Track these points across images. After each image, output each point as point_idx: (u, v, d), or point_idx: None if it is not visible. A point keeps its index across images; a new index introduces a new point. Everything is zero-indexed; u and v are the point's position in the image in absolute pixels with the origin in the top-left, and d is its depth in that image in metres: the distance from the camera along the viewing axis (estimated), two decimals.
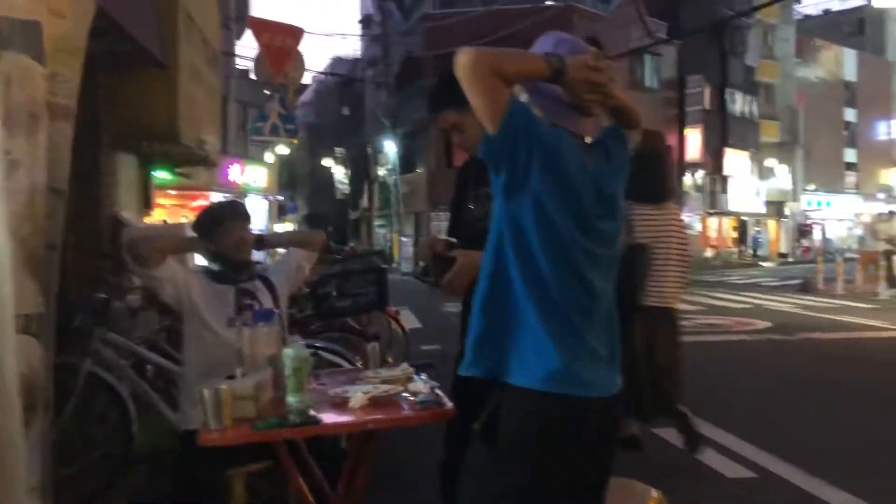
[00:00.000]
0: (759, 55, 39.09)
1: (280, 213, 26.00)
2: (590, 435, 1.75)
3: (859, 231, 17.60)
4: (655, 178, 4.21)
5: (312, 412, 2.32)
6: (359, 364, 4.06)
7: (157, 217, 7.78)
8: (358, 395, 2.45)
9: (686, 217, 34.80)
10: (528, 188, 1.70)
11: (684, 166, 34.78)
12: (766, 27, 39.49)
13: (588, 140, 1.86)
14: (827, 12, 46.17)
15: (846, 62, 47.69)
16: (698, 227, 35.88)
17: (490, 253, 1.77)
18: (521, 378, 1.72)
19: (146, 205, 6.78)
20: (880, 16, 46.75)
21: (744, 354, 8.45)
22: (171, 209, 14.75)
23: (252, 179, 20.89)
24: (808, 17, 45.58)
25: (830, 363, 7.86)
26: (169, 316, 4.63)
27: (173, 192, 15.66)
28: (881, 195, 43.93)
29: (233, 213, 3.20)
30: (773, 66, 40.15)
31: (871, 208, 44.07)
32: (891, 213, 27.18)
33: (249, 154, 21.04)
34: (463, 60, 1.65)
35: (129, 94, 5.44)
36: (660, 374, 4.28)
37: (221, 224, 3.11)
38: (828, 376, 7.13)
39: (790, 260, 37.06)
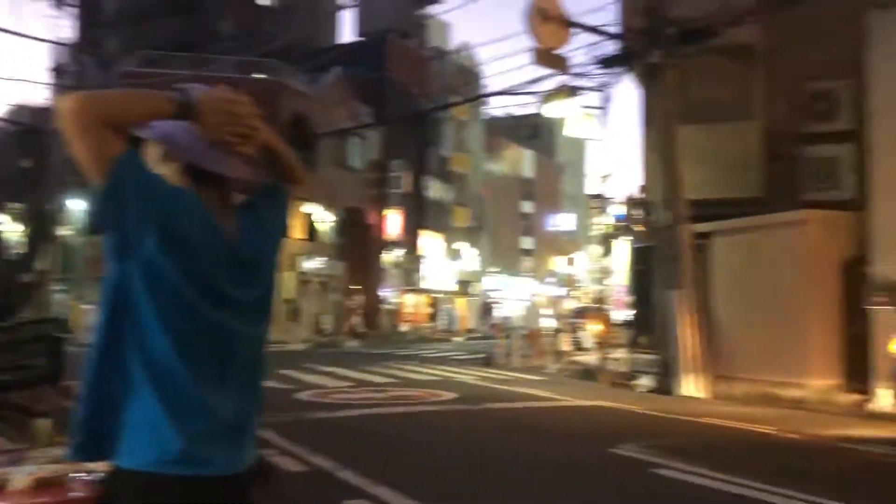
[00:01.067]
0: (453, 147, 42.78)
1: None
2: None
3: (539, 310, 20.03)
4: None
5: None
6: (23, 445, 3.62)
7: None
8: (20, 477, 2.21)
9: (385, 293, 36.44)
10: (140, 251, 1.52)
11: (384, 245, 36.47)
12: (459, 123, 43.45)
13: (235, 195, 1.70)
14: (509, 115, 51.89)
15: (525, 161, 54.10)
16: (396, 302, 37.55)
17: (102, 321, 1.57)
18: (132, 460, 1.54)
19: None
20: (551, 123, 53.73)
21: (430, 424, 8.91)
22: None
23: None
24: (494, 117, 50.88)
25: (505, 430, 8.59)
26: None
27: None
28: (551, 279, 49.69)
29: None
30: (465, 158, 44.14)
31: (544, 290, 49.55)
32: (558, 297, 30.81)
33: None
34: (63, 108, 1.46)
35: None
36: None
37: None
38: (503, 442, 7.77)
39: (478, 335, 40.07)
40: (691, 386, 12.13)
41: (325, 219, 32.35)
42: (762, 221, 11.98)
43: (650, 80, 13.22)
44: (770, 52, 12.94)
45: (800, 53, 12.17)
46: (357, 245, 34.46)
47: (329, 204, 31.71)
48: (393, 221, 36.54)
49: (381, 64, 36.77)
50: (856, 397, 10.41)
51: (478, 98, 36.90)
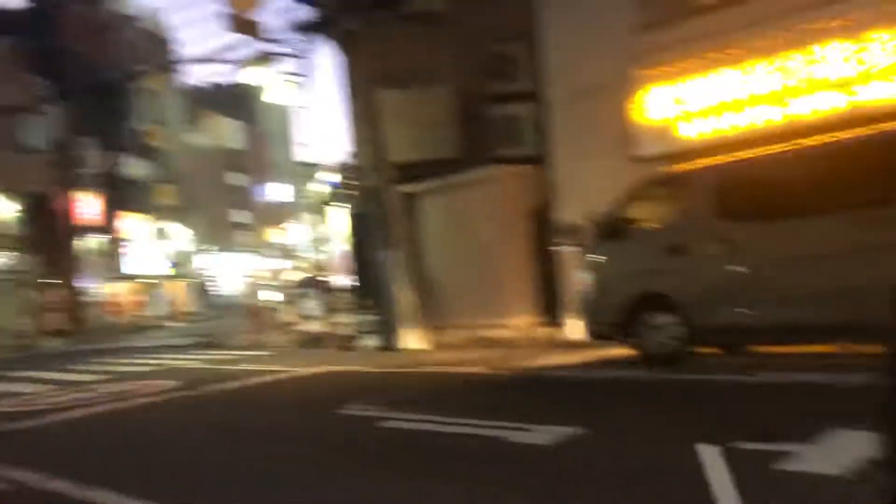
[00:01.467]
0: (150, 121, 39.97)
1: None
2: None
3: (261, 284, 19.92)
4: None
5: None
6: None
7: None
8: None
9: (88, 284, 33.35)
10: None
11: (80, 231, 33.24)
12: (154, 94, 40.63)
13: None
14: (210, 84, 49.56)
15: (230, 131, 52.32)
16: (101, 292, 34.57)
17: None
18: None
19: None
20: (254, 91, 52.36)
21: (149, 416, 8.43)
22: None
23: None
24: (194, 87, 48.29)
25: (230, 409, 8.40)
26: None
27: None
28: (270, 252, 48.98)
29: None
30: (165, 131, 41.50)
31: (264, 264, 48.77)
32: (280, 269, 30.58)
33: None
34: None
35: None
36: None
37: None
38: (228, 422, 7.57)
39: (199, 318, 38.34)
40: (413, 340, 12.76)
41: (5, 208, 28.72)
42: (460, 180, 12.84)
43: (348, 47, 13.40)
44: (457, 16, 13.73)
45: (484, 18, 13.07)
46: (48, 234, 30.98)
47: (9, 191, 28.18)
48: (87, 205, 33.42)
49: (57, 32, 33.04)
50: (552, 330, 11.67)
51: (170, 66, 34.79)
